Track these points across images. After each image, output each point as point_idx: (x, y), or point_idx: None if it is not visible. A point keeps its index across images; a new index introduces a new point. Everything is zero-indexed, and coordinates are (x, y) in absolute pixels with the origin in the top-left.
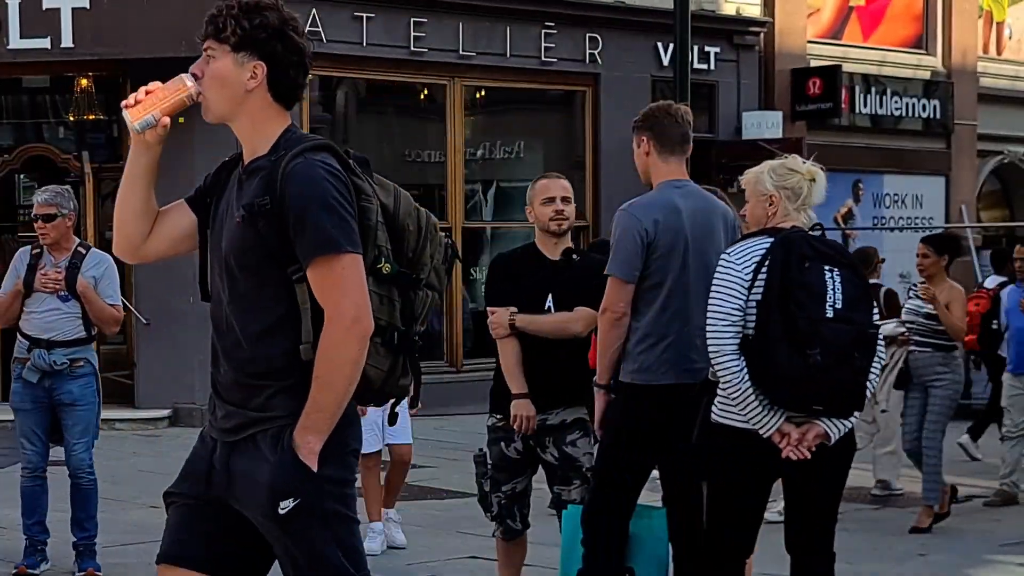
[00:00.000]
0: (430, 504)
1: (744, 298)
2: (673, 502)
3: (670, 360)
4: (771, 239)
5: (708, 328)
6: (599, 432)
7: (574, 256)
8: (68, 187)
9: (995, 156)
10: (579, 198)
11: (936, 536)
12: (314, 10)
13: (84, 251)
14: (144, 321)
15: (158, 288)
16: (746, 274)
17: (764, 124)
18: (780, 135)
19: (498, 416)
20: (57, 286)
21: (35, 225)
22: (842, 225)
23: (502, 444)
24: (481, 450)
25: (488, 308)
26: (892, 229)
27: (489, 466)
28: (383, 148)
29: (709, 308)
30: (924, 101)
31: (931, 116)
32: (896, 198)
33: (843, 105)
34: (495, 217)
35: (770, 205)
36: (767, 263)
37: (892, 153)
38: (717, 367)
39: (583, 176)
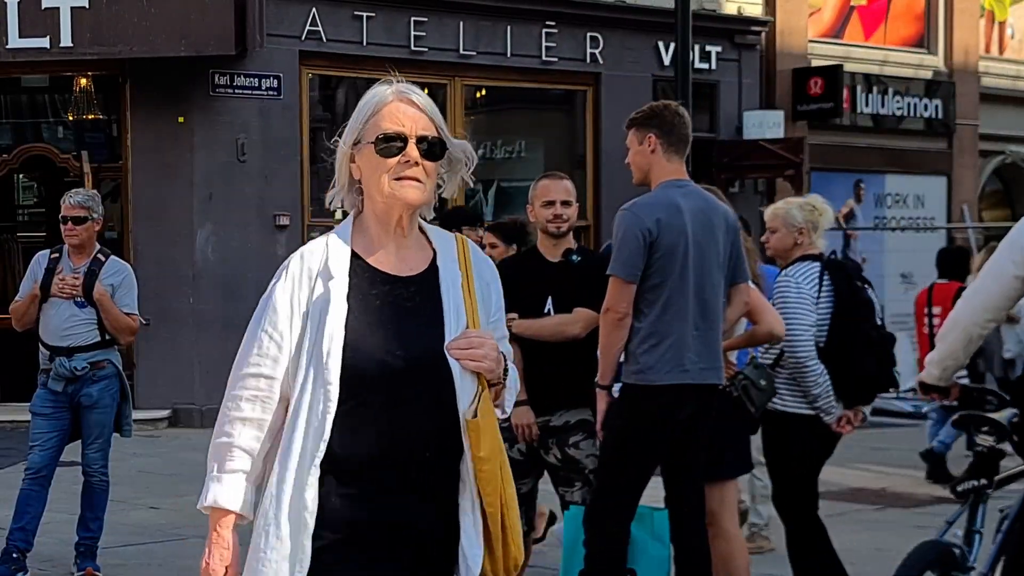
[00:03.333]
0: None
1: (814, 312)
2: (675, 503)
3: (672, 360)
4: (816, 263)
5: (794, 339)
6: (601, 433)
7: (574, 257)
8: (97, 192)
9: (997, 156)
10: (580, 198)
11: None
12: (314, 10)
13: (103, 258)
14: (144, 321)
15: (158, 288)
16: (812, 292)
17: (765, 124)
18: (781, 135)
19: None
20: (74, 291)
21: (63, 227)
22: (843, 225)
23: (505, 444)
24: None
25: None
26: (893, 229)
27: None
28: None
29: (791, 321)
30: (926, 101)
31: (933, 116)
32: (897, 198)
33: (844, 105)
34: (496, 217)
35: (800, 235)
36: (825, 283)
37: (893, 153)
38: (806, 370)
39: (584, 176)
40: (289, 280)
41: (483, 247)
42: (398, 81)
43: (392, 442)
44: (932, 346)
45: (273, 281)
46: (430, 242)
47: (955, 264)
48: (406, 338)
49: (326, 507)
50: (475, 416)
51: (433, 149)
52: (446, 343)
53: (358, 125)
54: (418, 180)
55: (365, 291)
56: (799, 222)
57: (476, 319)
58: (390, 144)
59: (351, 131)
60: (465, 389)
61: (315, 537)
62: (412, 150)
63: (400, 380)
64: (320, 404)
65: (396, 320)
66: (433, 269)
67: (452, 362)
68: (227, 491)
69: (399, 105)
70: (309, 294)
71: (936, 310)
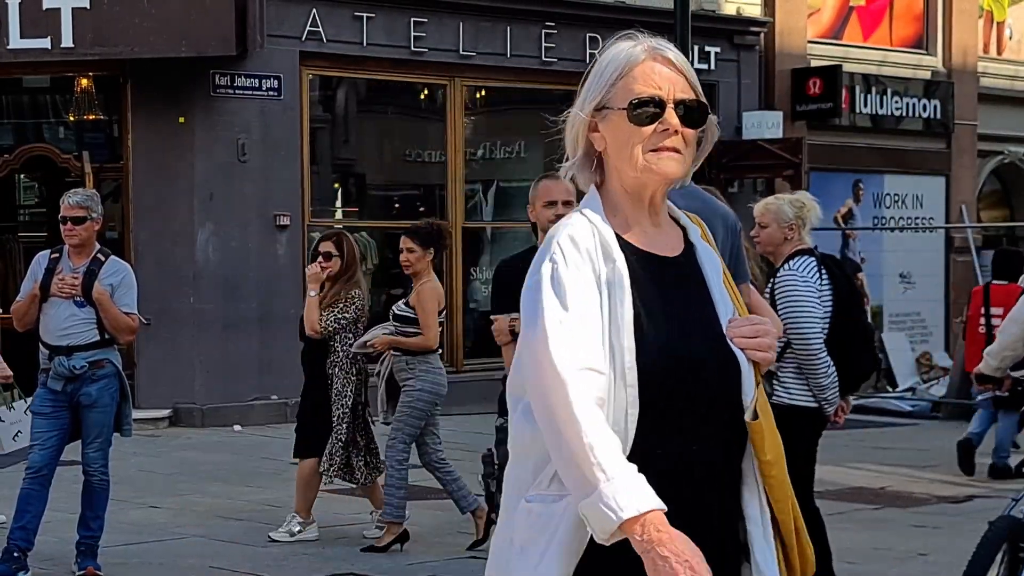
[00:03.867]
0: (430, 504)
1: (820, 304)
2: None
3: None
4: (811, 258)
5: (806, 330)
6: None
7: None
8: (96, 191)
9: (995, 156)
10: (579, 198)
11: (937, 536)
12: (314, 10)
13: (103, 258)
14: (144, 321)
15: (158, 288)
16: (816, 284)
17: (764, 124)
18: (780, 135)
19: (506, 418)
20: (73, 291)
21: (63, 227)
22: (842, 225)
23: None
24: (489, 450)
25: (491, 316)
26: (892, 229)
27: (496, 466)
28: (383, 148)
29: (801, 313)
30: (924, 101)
31: (931, 116)
32: (896, 198)
33: (843, 105)
34: (495, 217)
35: (790, 230)
36: (824, 277)
37: (892, 153)
38: (818, 362)
39: None
40: (572, 265)
41: (400, 252)
42: (643, 36)
43: (684, 449)
44: (988, 344)
45: (548, 269)
46: (675, 219)
47: (1009, 265)
48: (691, 326)
49: None
50: (755, 417)
51: (693, 114)
52: (726, 330)
53: (602, 88)
54: (677, 151)
55: (639, 274)
56: (790, 218)
57: (741, 305)
58: (644, 110)
59: (591, 94)
60: (749, 383)
61: (586, 560)
62: (671, 116)
63: (693, 375)
64: (623, 409)
65: (675, 307)
66: (690, 249)
67: (737, 352)
68: (642, 492)
69: (653, 64)
70: (596, 279)
71: (996, 311)
